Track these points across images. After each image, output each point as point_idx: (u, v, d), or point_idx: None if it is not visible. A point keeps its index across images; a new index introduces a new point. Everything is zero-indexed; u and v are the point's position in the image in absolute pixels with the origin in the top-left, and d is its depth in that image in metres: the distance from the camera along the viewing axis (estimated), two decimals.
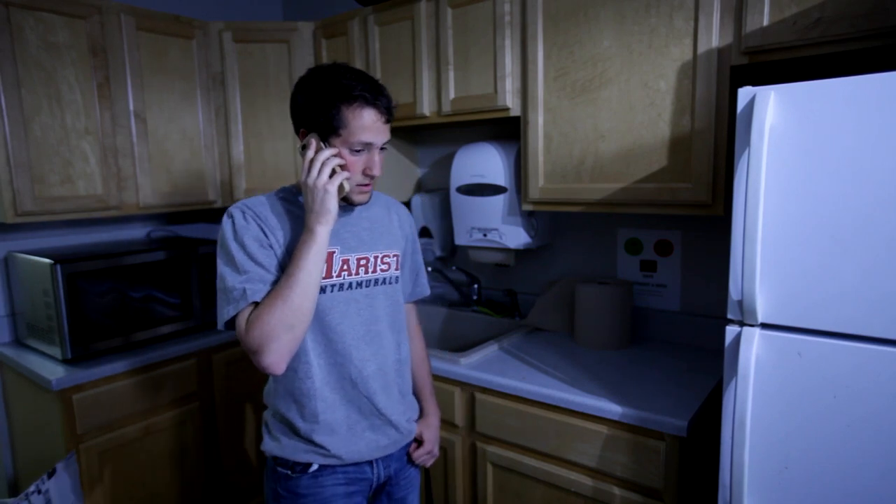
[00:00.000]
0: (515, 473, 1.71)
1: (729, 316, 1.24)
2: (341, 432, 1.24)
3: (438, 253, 2.49)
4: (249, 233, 1.16)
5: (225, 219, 1.20)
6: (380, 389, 1.27)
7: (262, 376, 2.44)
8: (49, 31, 1.94)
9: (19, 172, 1.89)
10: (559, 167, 1.83)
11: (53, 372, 1.87)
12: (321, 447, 1.22)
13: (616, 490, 1.52)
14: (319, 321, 1.21)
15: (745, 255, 1.16)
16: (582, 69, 1.74)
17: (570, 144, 1.80)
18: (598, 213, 2.13)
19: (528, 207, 1.94)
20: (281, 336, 1.08)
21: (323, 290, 1.19)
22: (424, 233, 2.47)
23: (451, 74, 2.04)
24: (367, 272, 1.26)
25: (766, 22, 1.42)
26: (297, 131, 1.22)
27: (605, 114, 1.71)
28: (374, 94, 1.15)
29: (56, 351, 1.96)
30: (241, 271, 1.13)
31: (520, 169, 2.02)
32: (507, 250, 2.14)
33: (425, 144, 2.62)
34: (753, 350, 1.18)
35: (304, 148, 1.18)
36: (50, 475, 1.74)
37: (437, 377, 1.84)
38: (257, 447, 2.45)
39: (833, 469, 1.13)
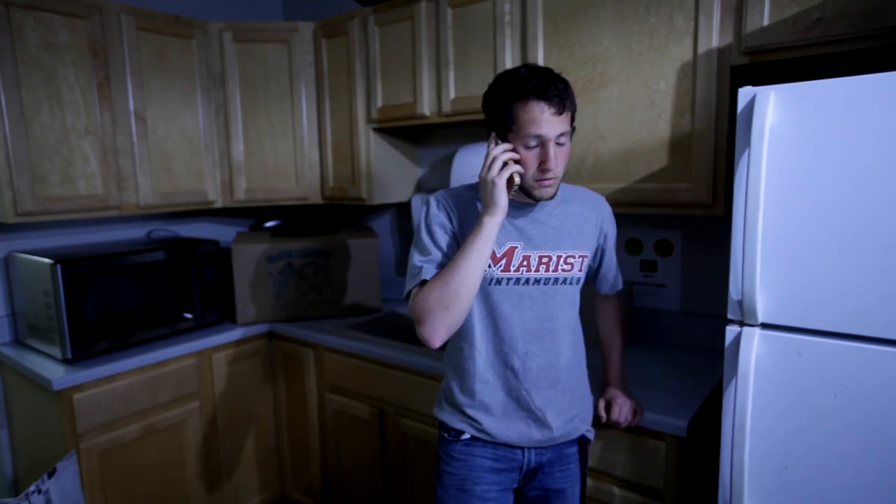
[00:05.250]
0: None
1: (729, 316, 1.24)
2: (497, 414, 1.31)
3: None
4: (438, 220, 1.28)
5: (422, 205, 1.34)
6: (545, 386, 1.31)
7: (262, 375, 2.44)
8: (49, 31, 1.94)
9: (19, 172, 1.89)
10: None
11: (53, 372, 1.87)
12: (474, 420, 1.32)
13: (616, 490, 1.52)
14: (491, 310, 1.29)
15: (745, 255, 1.16)
16: (582, 69, 1.74)
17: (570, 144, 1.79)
18: None
19: None
20: (437, 314, 1.18)
21: (499, 281, 1.27)
22: None
23: (452, 74, 2.04)
24: (547, 270, 1.29)
25: (766, 22, 1.42)
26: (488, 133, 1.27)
27: (605, 114, 1.71)
28: (545, 86, 1.14)
29: (56, 351, 1.96)
30: (424, 252, 1.26)
31: None
32: None
33: (425, 144, 2.62)
34: (753, 350, 1.18)
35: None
36: (50, 475, 1.74)
37: (435, 376, 1.84)
38: (257, 447, 2.45)
39: (833, 469, 1.13)
